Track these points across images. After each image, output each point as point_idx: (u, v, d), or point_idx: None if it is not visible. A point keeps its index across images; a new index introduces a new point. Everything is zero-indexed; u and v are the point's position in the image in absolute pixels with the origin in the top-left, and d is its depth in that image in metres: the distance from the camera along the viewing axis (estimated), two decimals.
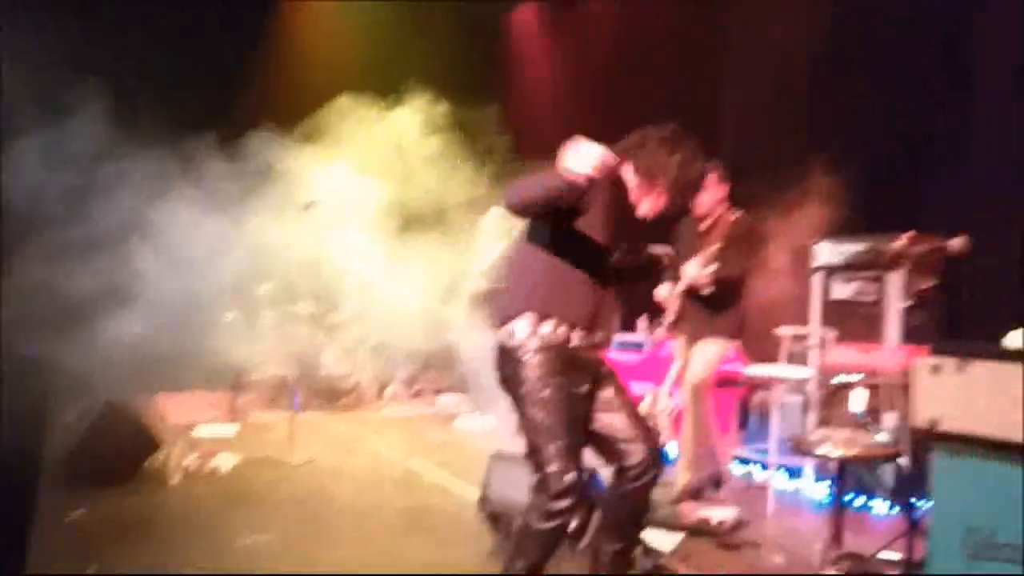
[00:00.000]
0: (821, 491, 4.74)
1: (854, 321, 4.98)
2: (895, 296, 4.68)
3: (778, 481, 4.86)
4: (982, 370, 2.13)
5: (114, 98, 6.54)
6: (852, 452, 2.61)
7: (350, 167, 6.89)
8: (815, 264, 5.24)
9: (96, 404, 5.10)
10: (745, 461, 5.37)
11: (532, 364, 2.80)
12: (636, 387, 6.26)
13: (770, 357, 5.52)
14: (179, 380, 7.77)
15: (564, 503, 2.69)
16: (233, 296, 7.56)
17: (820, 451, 2.69)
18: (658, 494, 4.57)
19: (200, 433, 6.24)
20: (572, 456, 2.73)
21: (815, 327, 5.13)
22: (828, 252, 5.20)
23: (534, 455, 2.78)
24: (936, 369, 2.15)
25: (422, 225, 7.12)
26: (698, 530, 4.10)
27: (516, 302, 2.90)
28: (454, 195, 7.21)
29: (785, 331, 5.26)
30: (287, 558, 3.70)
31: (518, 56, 9.80)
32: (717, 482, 4.93)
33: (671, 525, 4.11)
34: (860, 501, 4.39)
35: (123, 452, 4.83)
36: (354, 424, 7.01)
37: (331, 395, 7.50)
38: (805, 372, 4.75)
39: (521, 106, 9.13)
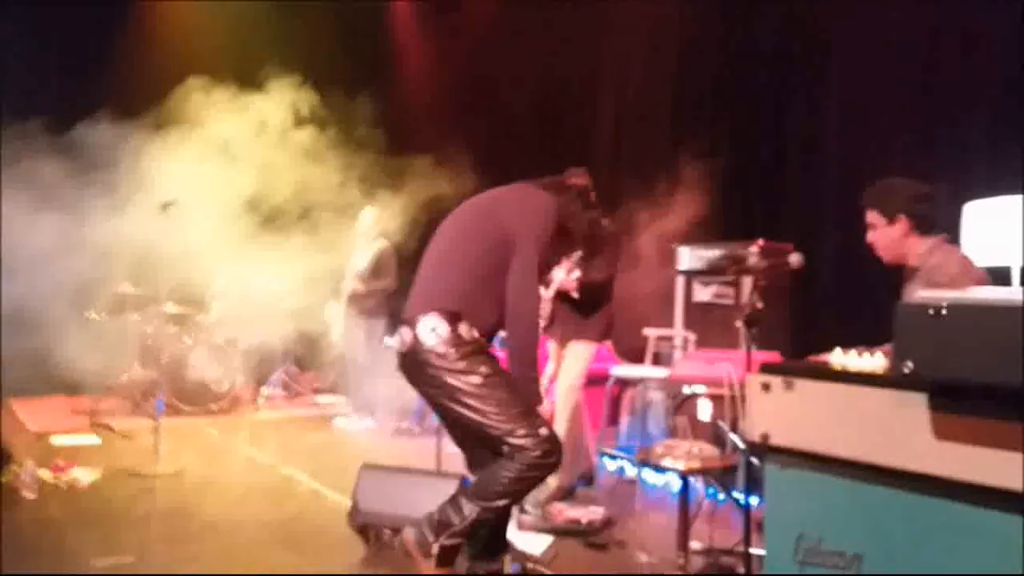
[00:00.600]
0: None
1: (715, 322, 5.25)
2: (747, 299, 4.95)
3: (645, 475, 5.05)
4: (807, 389, 2.29)
5: None
6: (692, 464, 2.76)
7: (209, 158, 6.61)
8: (677, 267, 5.48)
9: None
10: (615, 457, 5.56)
11: (453, 358, 2.82)
12: None
13: (641, 356, 5.75)
14: (35, 385, 7.36)
15: (552, 459, 2.81)
16: (92, 296, 7.21)
17: (664, 463, 2.83)
18: (530, 494, 4.72)
19: (58, 442, 5.92)
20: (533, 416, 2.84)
21: (678, 329, 5.37)
22: (688, 256, 5.45)
23: (491, 442, 2.83)
24: (766, 386, 2.30)
25: (288, 221, 6.93)
26: (567, 531, 4.23)
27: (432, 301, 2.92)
28: (322, 190, 7.05)
29: (651, 332, 5.47)
30: None
31: (396, 50, 9.75)
32: (588, 479, 5.10)
33: (541, 527, 4.22)
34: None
35: None
36: (227, 429, 6.82)
37: (203, 399, 7.25)
38: (663, 372, 4.96)
39: (398, 101, 9.09)
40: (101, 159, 6.25)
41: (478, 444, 2.98)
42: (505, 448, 2.80)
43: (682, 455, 2.80)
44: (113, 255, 6.82)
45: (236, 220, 6.47)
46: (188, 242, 5.91)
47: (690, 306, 5.53)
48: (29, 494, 4.61)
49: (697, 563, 3.59)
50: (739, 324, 2.88)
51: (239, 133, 6.80)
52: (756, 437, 2.34)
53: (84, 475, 5.04)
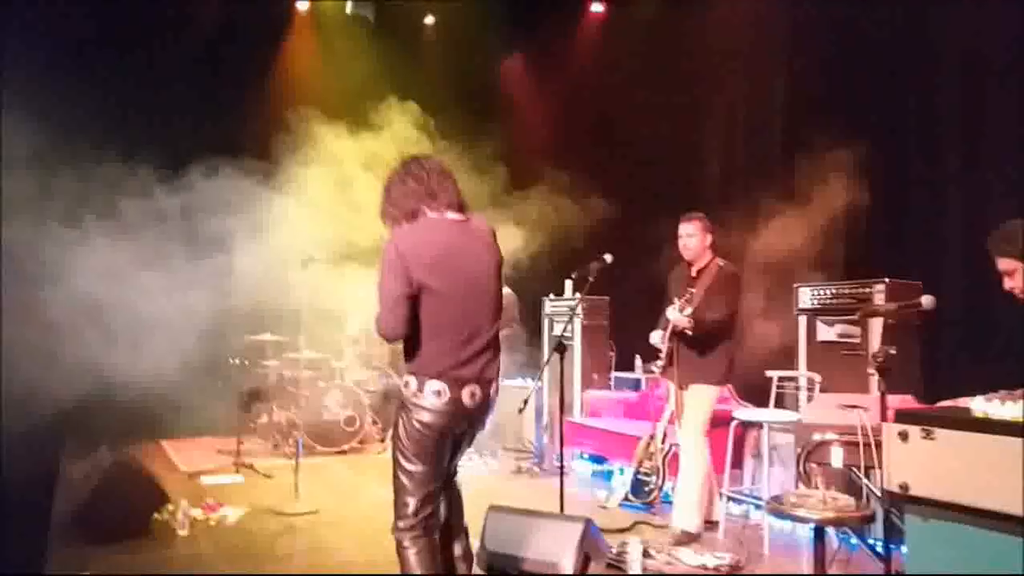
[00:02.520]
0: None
1: (840, 362, 5.11)
2: (876, 341, 4.82)
3: (773, 520, 4.94)
4: (948, 438, 2.24)
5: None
6: (827, 515, 2.71)
7: (338, 204, 6.97)
8: (798, 307, 5.39)
9: (103, 458, 5.23)
10: (740, 501, 5.46)
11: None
12: (634, 426, 6.40)
13: (762, 397, 5.65)
14: (183, 427, 7.93)
15: None
16: (235, 343, 7.70)
17: (797, 513, 2.80)
18: (655, 537, 4.72)
19: (206, 482, 6.34)
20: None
21: (802, 370, 5.26)
22: (809, 295, 5.35)
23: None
24: (903, 435, 2.27)
25: None
26: (695, 575, 4.20)
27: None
28: None
29: (773, 373, 5.38)
30: None
31: (508, 99, 10.12)
32: (713, 524, 5.04)
33: (669, 573, 4.20)
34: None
35: (131, 507, 4.94)
36: (358, 468, 7.11)
37: (335, 439, 7.60)
38: (789, 416, 4.87)
39: (512, 144, 9.41)
40: (239, 206, 6.69)
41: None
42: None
43: (816, 505, 2.76)
44: (254, 304, 7.32)
45: (367, 266, 6.82)
46: (321, 289, 6.24)
47: (813, 346, 5.40)
48: (181, 531, 4.97)
49: None
50: (871, 372, 2.83)
51: (366, 179, 7.17)
52: (894, 487, 2.30)
53: (231, 513, 5.40)
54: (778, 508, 2.84)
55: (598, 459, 6.90)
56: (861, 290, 5.15)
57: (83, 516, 4.85)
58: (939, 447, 2.25)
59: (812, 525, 2.95)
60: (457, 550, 3.32)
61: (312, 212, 6.80)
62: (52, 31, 7.19)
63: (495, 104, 9.90)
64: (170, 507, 5.18)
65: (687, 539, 4.79)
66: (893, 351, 2.71)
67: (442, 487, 3.14)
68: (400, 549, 3.06)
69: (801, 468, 3.87)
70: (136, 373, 6.74)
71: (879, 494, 2.96)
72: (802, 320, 5.46)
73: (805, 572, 4.24)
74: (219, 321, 7.01)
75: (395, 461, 3.08)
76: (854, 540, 4.34)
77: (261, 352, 7.81)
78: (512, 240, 7.12)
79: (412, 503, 3.04)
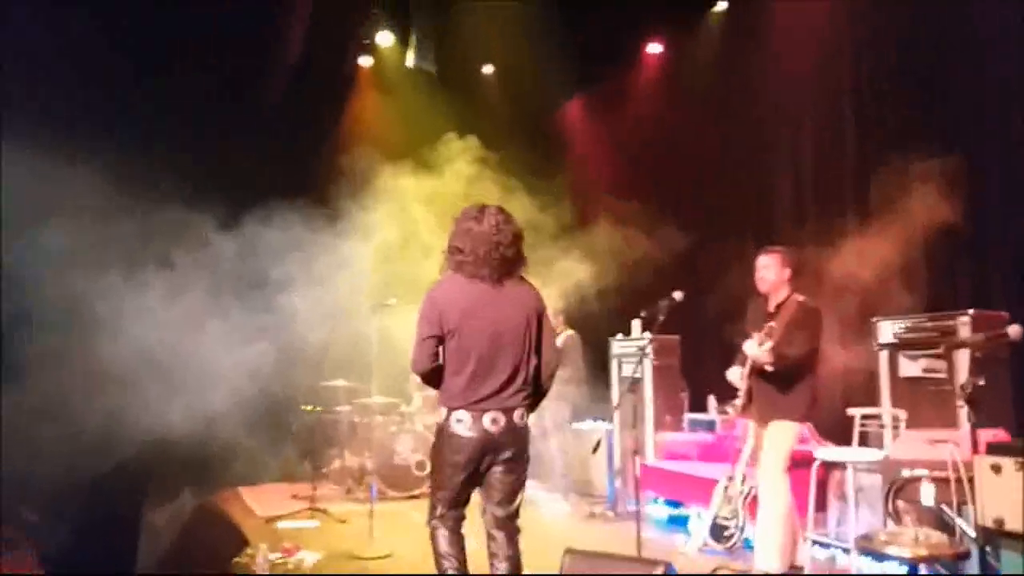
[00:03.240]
0: None
1: (926, 398, 4.92)
2: (963, 374, 4.63)
3: (861, 566, 4.74)
4: None
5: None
6: (919, 552, 2.60)
7: (404, 244, 7.07)
8: (878, 341, 5.22)
9: (184, 504, 5.37)
10: (826, 546, 5.26)
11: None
12: (710, 469, 6.25)
13: (844, 436, 5.47)
14: (258, 473, 8.08)
15: None
16: (307, 390, 7.85)
17: (889, 551, 2.69)
18: None
19: (283, 526, 6.42)
20: None
21: (885, 407, 5.08)
22: (889, 329, 5.19)
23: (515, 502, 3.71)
24: (996, 468, 2.18)
25: None
26: None
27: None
28: None
29: (855, 411, 5.21)
30: None
31: (571, 139, 10.21)
32: (796, 567, 4.86)
33: None
34: None
35: (212, 551, 5.05)
36: None
37: (407, 484, 7.63)
38: (874, 454, 4.70)
39: (576, 181, 9.47)
40: (309, 253, 6.85)
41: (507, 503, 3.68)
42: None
43: (908, 543, 2.65)
44: (325, 350, 7.47)
45: None
46: (391, 334, 6.29)
47: (897, 382, 5.22)
48: (261, 573, 5.03)
49: None
50: (960, 404, 2.73)
51: (433, 221, 7.28)
52: (989, 522, 2.20)
53: (308, 557, 5.44)
54: (868, 546, 2.73)
55: (673, 503, 6.75)
56: (945, 322, 4.97)
57: (167, 560, 4.97)
58: None
59: (904, 565, 2.83)
60: None
61: (381, 256, 6.90)
62: (119, 78, 7.37)
63: (558, 143, 10.01)
64: (250, 551, 5.27)
65: None
66: (982, 382, 2.60)
67: (468, 498, 3.70)
68: (432, 534, 3.71)
69: (889, 506, 3.71)
70: (211, 422, 6.95)
71: (973, 531, 2.82)
72: (883, 355, 5.28)
73: None
74: (291, 368, 7.18)
75: (431, 473, 3.77)
76: None
77: (333, 398, 7.93)
78: (576, 276, 7.12)
79: (439, 508, 3.68)
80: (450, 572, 3.57)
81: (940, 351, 4.81)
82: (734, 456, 5.49)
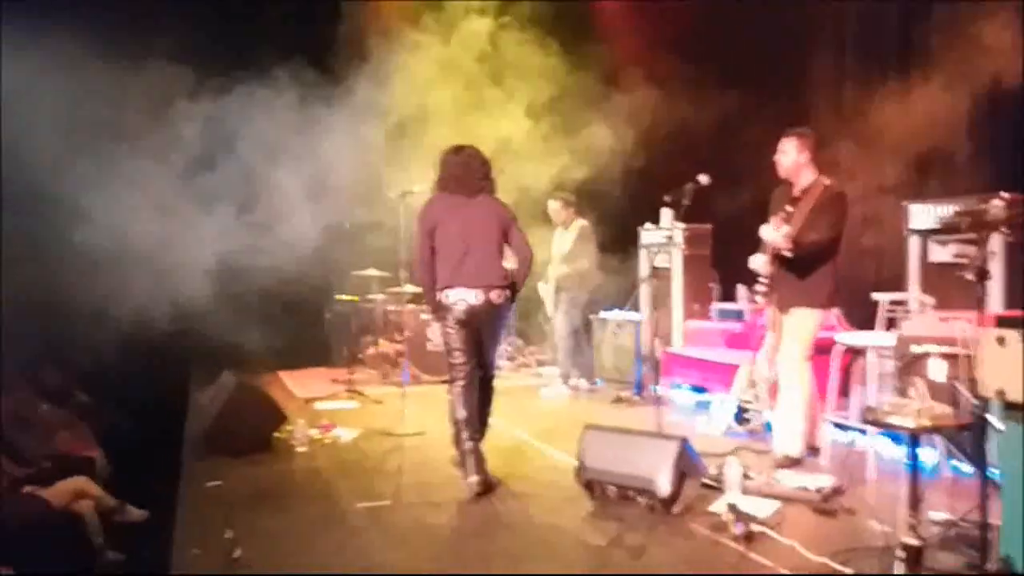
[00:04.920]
0: (924, 456, 4.69)
1: (955, 284, 4.86)
2: (996, 258, 4.57)
3: (880, 447, 4.83)
4: None
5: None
6: (922, 422, 2.64)
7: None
8: (909, 226, 5.14)
9: (227, 383, 5.62)
10: (846, 428, 5.35)
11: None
12: (734, 355, 6.34)
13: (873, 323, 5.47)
14: (299, 359, 8.37)
15: None
16: (344, 280, 8.02)
17: (891, 421, 2.74)
18: (756, 462, 4.71)
19: (321, 407, 6.71)
20: None
21: (913, 291, 5.05)
22: (920, 214, 5.09)
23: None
24: (1001, 340, 2.19)
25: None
26: (795, 497, 4.18)
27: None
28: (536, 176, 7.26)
29: (880, 297, 5.19)
30: (399, 519, 4.03)
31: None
32: (815, 450, 4.98)
33: (768, 493, 4.20)
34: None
35: (254, 427, 5.32)
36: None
37: (439, 369, 7.83)
38: (892, 338, 4.70)
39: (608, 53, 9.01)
40: (349, 148, 6.74)
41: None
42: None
43: (910, 413, 2.70)
44: (359, 241, 7.57)
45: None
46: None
47: (926, 268, 5.17)
48: (301, 448, 5.32)
49: (935, 533, 3.43)
50: (968, 276, 2.72)
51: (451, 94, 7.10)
52: (990, 394, 2.24)
53: (345, 433, 5.72)
54: (872, 418, 2.79)
55: (699, 390, 6.88)
56: (977, 207, 4.85)
57: (211, 434, 5.26)
58: None
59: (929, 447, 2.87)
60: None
61: (402, 137, 6.81)
62: None
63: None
64: (289, 427, 5.54)
65: (789, 463, 4.76)
66: (991, 255, 2.57)
67: (474, 359, 4.60)
68: (451, 404, 4.61)
69: (899, 382, 3.76)
70: (246, 307, 7.16)
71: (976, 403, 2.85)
72: (913, 240, 5.21)
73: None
74: (325, 256, 7.29)
75: (444, 345, 4.71)
76: (966, 468, 4.22)
77: (367, 287, 8.10)
78: (603, 147, 6.95)
79: (454, 370, 4.60)
80: (465, 436, 4.45)
81: (971, 236, 4.73)
82: (759, 343, 5.55)
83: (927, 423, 2.65)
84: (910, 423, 2.68)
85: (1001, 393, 2.20)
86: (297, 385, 7.67)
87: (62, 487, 4.86)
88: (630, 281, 7.67)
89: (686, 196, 4.95)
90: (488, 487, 4.39)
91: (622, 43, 8.76)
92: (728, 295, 7.64)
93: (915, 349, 3.67)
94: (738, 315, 7.37)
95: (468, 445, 4.43)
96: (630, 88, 7.56)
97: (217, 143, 6.24)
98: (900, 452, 4.85)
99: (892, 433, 4.95)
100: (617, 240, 7.74)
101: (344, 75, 6.84)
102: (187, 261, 6.24)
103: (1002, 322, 2.27)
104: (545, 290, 7.56)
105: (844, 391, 5.56)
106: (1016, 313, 3.47)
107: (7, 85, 5.60)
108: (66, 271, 5.72)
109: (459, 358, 4.55)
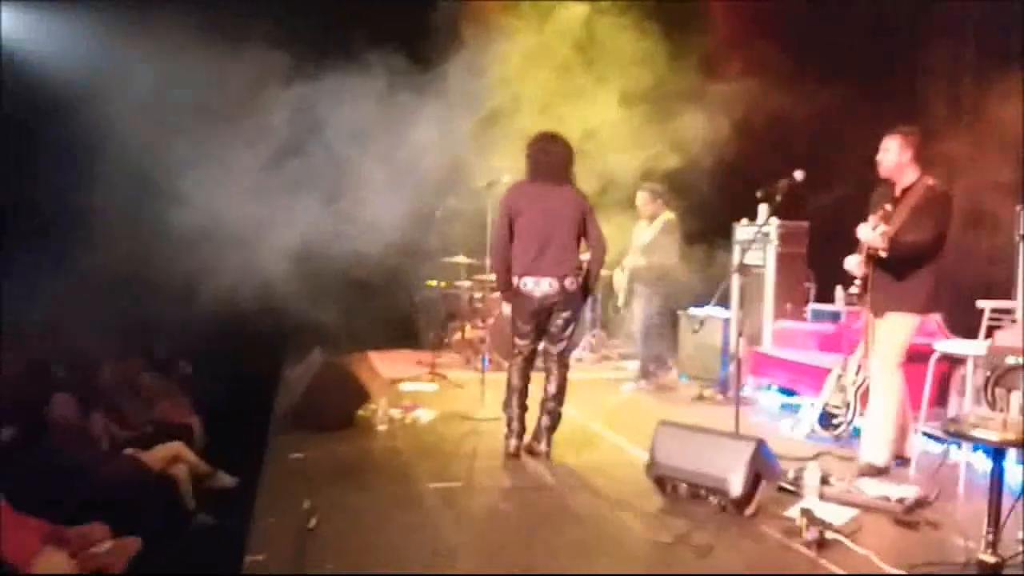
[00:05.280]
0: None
1: None
2: None
3: (974, 461, 4.59)
4: None
5: None
6: (1007, 436, 2.50)
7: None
8: (1021, 231, 4.84)
9: (315, 361, 5.83)
10: (940, 440, 5.10)
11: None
12: (826, 358, 6.12)
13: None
14: (388, 340, 8.60)
15: None
16: (434, 266, 8.17)
17: (974, 434, 2.60)
18: (840, 469, 4.55)
19: (405, 388, 6.87)
20: None
21: (1020, 300, 4.76)
22: None
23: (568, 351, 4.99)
24: None
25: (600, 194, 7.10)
26: (875, 506, 4.03)
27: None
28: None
29: (985, 304, 4.92)
30: (470, 503, 4.10)
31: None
32: (905, 460, 4.77)
33: (847, 501, 4.07)
34: None
35: (338, 404, 5.50)
36: (537, 381, 7.30)
37: None
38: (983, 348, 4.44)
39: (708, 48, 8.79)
40: (440, 136, 6.79)
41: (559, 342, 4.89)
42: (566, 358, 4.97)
43: (995, 427, 2.56)
44: (448, 228, 7.68)
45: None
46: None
47: None
48: (381, 426, 5.47)
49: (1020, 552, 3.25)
50: None
51: (560, 107, 7.06)
52: None
53: (424, 414, 5.85)
54: (956, 429, 2.66)
55: (788, 392, 6.69)
56: None
57: (298, 409, 5.47)
58: None
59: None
60: (545, 418, 4.93)
61: (493, 126, 6.82)
62: None
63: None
64: (372, 406, 5.70)
65: (873, 472, 4.58)
66: None
67: (537, 342, 4.91)
68: (509, 369, 4.96)
69: (988, 395, 3.56)
70: (343, 291, 7.38)
71: None
72: (1022, 246, 4.91)
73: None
74: (416, 243, 7.43)
75: (511, 322, 4.96)
76: None
77: (456, 273, 8.22)
78: (695, 133, 6.80)
79: (517, 347, 4.91)
80: (514, 403, 4.85)
81: None
82: (852, 346, 5.35)
83: (1011, 437, 2.51)
84: (994, 436, 2.54)
85: None
86: (384, 365, 7.88)
87: (160, 451, 5.16)
88: (717, 278, 7.50)
89: (779, 192, 4.79)
90: (530, 452, 4.82)
91: (723, 31, 8.53)
92: (826, 296, 7.38)
93: (1009, 361, 3.46)
94: (834, 317, 7.11)
95: (515, 412, 4.82)
96: (728, 78, 7.35)
97: (310, 129, 6.39)
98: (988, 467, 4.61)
99: (988, 447, 4.71)
100: (705, 234, 7.57)
101: (437, 62, 6.84)
102: (283, 245, 6.47)
103: None
104: (619, 279, 7.51)
105: (942, 401, 5.32)
106: None
107: (109, 67, 5.90)
108: (165, 249, 6.02)
109: (522, 340, 4.85)
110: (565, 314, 4.81)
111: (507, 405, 4.88)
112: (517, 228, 4.75)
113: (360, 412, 5.66)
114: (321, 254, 6.74)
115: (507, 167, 5.83)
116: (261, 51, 5.98)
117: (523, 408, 4.86)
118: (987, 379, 3.62)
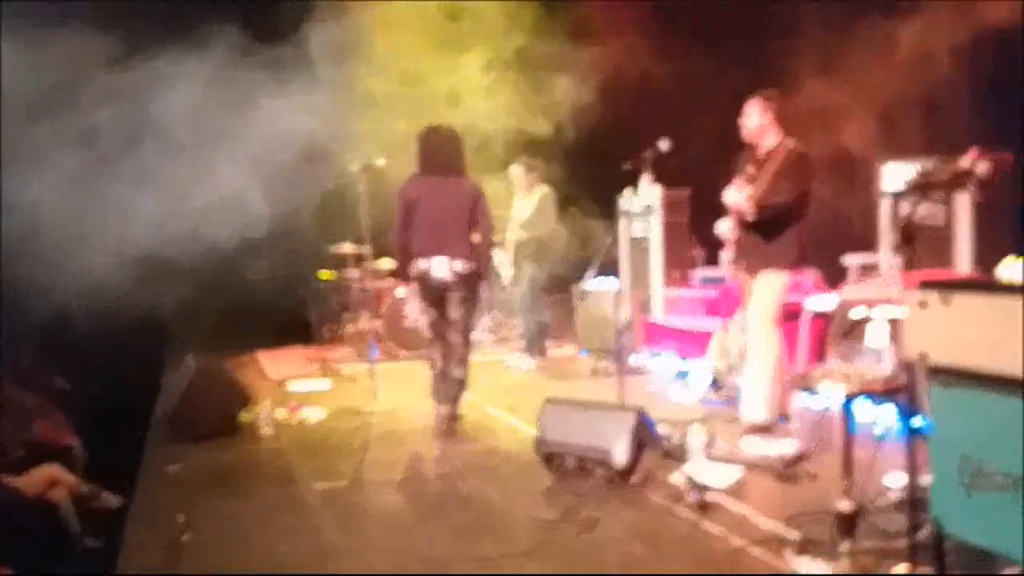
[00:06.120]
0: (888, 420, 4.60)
1: (922, 245, 4.76)
2: (964, 218, 4.47)
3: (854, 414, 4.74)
4: (966, 303, 2.08)
5: None
6: (851, 387, 2.58)
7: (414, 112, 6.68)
8: (882, 188, 5.02)
9: (189, 365, 5.57)
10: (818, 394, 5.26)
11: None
12: (711, 323, 6.25)
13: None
14: (277, 338, 8.32)
15: None
16: (320, 257, 7.93)
17: (820, 387, 2.68)
18: (726, 430, 4.64)
19: (294, 388, 6.66)
20: None
21: (884, 254, 4.95)
22: (895, 173, 4.97)
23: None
24: (923, 303, 2.11)
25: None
26: (758, 464, 4.12)
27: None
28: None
29: (851, 259, 5.09)
30: (355, 500, 3.99)
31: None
32: (785, 416, 4.91)
33: (731, 460, 4.14)
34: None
35: (217, 409, 5.26)
36: None
37: (416, 345, 7.77)
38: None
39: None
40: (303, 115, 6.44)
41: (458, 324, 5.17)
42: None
43: (840, 378, 2.64)
44: (332, 217, 7.45)
45: None
46: (384, 197, 6.14)
47: (897, 229, 5.05)
48: (266, 429, 5.27)
49: (890, 498, 3.37)
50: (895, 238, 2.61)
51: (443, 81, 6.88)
52: (914, 356, 2.16)
53: (313, 413, 5.67)
54: (804, 383, 2.73)
55: (679, 358, 6.80)
56: (947, 167, 4.74)
57: (174, 418, 5.22)
58: (955, 313, 2.09)
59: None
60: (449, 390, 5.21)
61: (366, 107, 6.60)
62: None
63: None
64: (255, 409, 5.49)
65: (756, 431, 4.69)
66: (920, 219, 2.47)
67: (440, 318, 5.18)
68: (429, 351, 5.31)
69: (838, 345, 3.68)
70: (228, 287, 7.07)
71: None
72: (884, 202, 5.10)
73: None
74: (298, 231, 7.17)
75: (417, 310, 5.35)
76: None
77: (343, 263, 8.02)
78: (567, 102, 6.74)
79: (428, 329, 5.25)
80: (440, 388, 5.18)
81: (942, 196, 4.63)
82: (731, 309, 5.47)
83: (856, 388, 2.58)
84: (840, 388, 2.61)
85: (924, 356, 2.12)
86: (272, 365, 7.63)
87: (34, 475, 4.82)
88: (598, 248, 7.53)
89: (645, 163, 4.83)
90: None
91: None
92: (716, 262, 7.53)
93: (853, 314, 3.58)
94: (721, 282, 7.27)
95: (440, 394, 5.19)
96: (600, 43, 7.34)
97: (159, 118, 5.97)
98: (873, 416, 4.80)
99: (869, 397, 4.88)
100: (582, 202, 7.60)
101: (290, 36, 6.44)
102: (159, 243, 6.11)
103: (924, 284, 2.18)
104: (502, 257, 7.49)
105: (824, 356, 5.49)
106: (943, 275, 3.39)
107: None
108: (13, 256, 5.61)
109: (429, 314, 5.19)
110: (460, 294, 5.09)
111: (436, 392, 5.18)
112: (414, 219, 5.10)
113: (243, 417, 5.44)
114: (191, 252, 6.36)
115: (379, 149, 5.68)
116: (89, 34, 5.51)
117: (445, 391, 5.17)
118: (834, 332, 3.73)
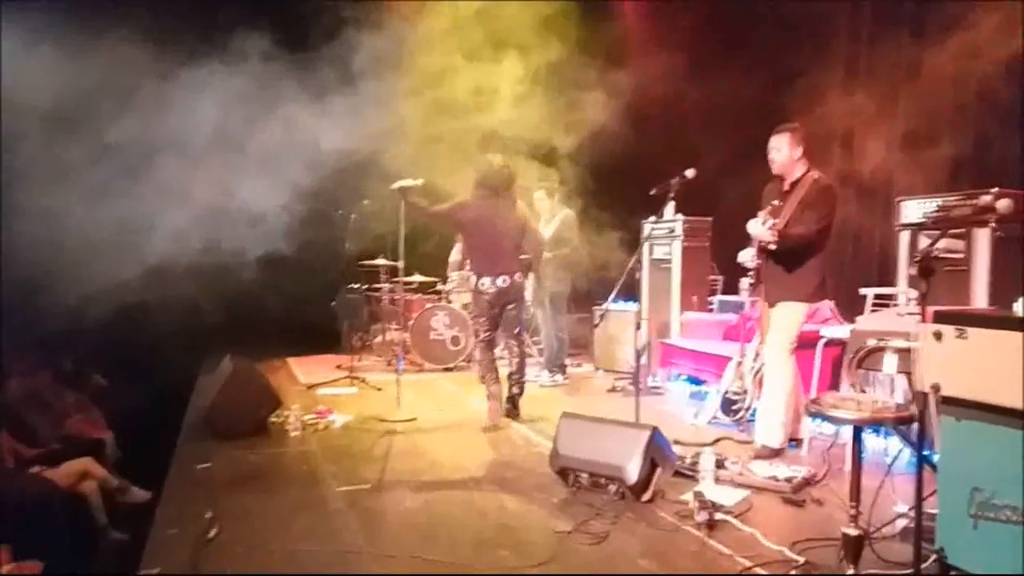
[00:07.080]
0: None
1: (941, 278, 4.86)
2: (983, 253, 4.56)
3: (866, 440, 4.82)
4: (980, 337, 2.18)
5: None
6: (863, 415, 2.68)
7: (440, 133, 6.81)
8: (901, 221, 5.12)
9: (225, 368, 5.79)
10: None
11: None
12: (728, 347, 6.36)
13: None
14: (308, 346, 8.54)
15: None
16: (353, 270, 8.15)
17: (832, 414, 2.78)
18: (737, 453, 4.75)
19: (322, 392, 6.86)
20: None
21: (901, 287, 5.04)
22: (913, 208, 5.07)
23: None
24: (938, 335, 2.22)
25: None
26: (765, 487, 4.22)
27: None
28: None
29: (868, 291, 5.19)
30: (376, 503, 4.15)
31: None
32: (797, 442, 5.01)
33: (740, 483, 4.25)
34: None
35: (249, 411, 5.47)
36: (461, 384, 7.47)
37: (441, 357, 7.98)
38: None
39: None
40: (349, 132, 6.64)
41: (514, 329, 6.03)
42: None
43: (852, 406, 2.74)
44: (367, 232, 7.67)
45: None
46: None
47: (914, 262, 5.14)
48: (293, 432, 5.46)
49: (899, 525, 3.47)
50: (912, 272, 2.73)
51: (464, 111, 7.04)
52: (927, 388, 2.27)
53: (339, 419, 5.86)
54: (816, 409, 2.83)
55: (696, 381, 6.91)
56: (968, 202, 4.84)
57: (208, 418, 5.43)
58: (970, 346, 2.19)
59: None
60: (515, 388, 6.09)
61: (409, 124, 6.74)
62: None
63: None
64: (284, 412, 5.69)
65: (768, 454, 4.80)
66: (938, 253, 2.59)
67: (494, 330, 5.94)
68: (476, 347, 6.17)
69: (851, 375, 3.78)
70: (263, 298, 7.29)
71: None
72: (904, 235, 5.20)
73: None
74: (334, 246, 7.39)
75: (472, 315, 6.20)
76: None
77: (375, 276, 8.24)
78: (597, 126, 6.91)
79: (480, 333, 5.92)
80: (488, 383, 5.89)
81: (960, 231, 4.71)
82: (748, 335, 5.58)
83: (866, 416, 2.69)
84: (850, 415, 2.72)
85: (936, 388, 2.23)
86: (303, 371, 7.85)
87: (67, 468, 5.04)
88: (620, 271, 7.65)
89: (671, 190, 4.98)
90: (508, 415, 5.93)
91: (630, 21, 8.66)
92: (734, 288, 7.63)
93: (871, 343, 3.68)
94: (738, 307, 7.37)
95: (491, 388, 5.86)
96: (634, 69, 7.49)
97: (206, 128, 6.11)
98: (883, 445, 4.87)
99: (876, 427, 4.96)
100: (610, 229, 7.73)
101: (331, 57, 6.67)
102: (190, 252, 6.32)
103: (939, 317, 2.30)
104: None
105: (836, 384, 5.58)
106: (957, 309, 3.48)
107: None
108: (67, 258, 5.83)
109: (484, 326, 5.89)
110: (514, 301, 5.89)
111: (483, 379, 5.96)
112: (472, 238, 5.92)
113: (272, 419, 5.64)
114: (233, 261, 6.59)
115: (418, 170, 5.87)
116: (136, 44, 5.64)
117: (497, 383, 5.90)
118: (849, 361, 3.83)
